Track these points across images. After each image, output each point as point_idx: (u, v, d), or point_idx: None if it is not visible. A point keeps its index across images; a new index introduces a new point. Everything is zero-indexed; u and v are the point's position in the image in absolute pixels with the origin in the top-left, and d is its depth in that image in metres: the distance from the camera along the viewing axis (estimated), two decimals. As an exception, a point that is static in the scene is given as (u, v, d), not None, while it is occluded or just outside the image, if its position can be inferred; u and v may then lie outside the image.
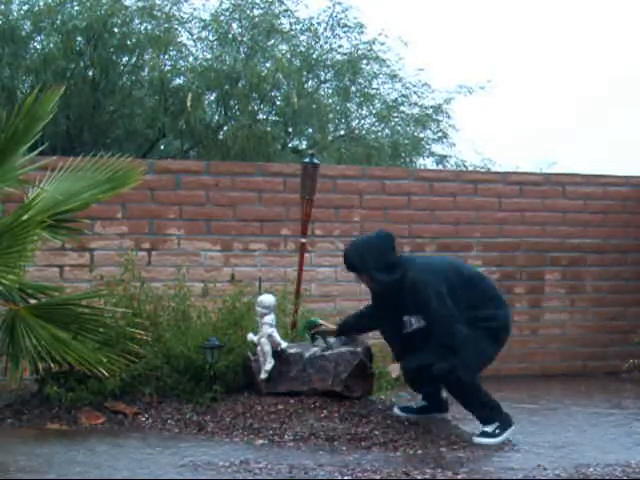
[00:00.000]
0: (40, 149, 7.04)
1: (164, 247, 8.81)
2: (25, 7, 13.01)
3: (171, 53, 13.51)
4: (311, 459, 5.82)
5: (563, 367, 9.95)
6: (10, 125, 6.43)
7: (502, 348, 6.68)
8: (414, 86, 14.77)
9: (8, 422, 6.72)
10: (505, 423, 6.52)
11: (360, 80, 14.25)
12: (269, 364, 6.80)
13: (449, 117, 14.97)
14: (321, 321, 7.15)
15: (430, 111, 14.86)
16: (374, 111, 14.64)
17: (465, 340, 6.35)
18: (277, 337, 6.84)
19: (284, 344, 6.89)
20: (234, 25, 13.73)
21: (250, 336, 6.90)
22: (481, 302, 6.53)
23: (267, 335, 6.81)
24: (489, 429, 6.48)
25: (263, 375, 6.81)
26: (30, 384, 7.05)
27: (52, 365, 6.46)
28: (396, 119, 14.79)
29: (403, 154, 14.56)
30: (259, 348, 6.85)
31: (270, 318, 6.85)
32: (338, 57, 14.13)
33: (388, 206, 9.47)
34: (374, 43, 14.20)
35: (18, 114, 6.45)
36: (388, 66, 14.52)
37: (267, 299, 6.91)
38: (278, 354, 6.85)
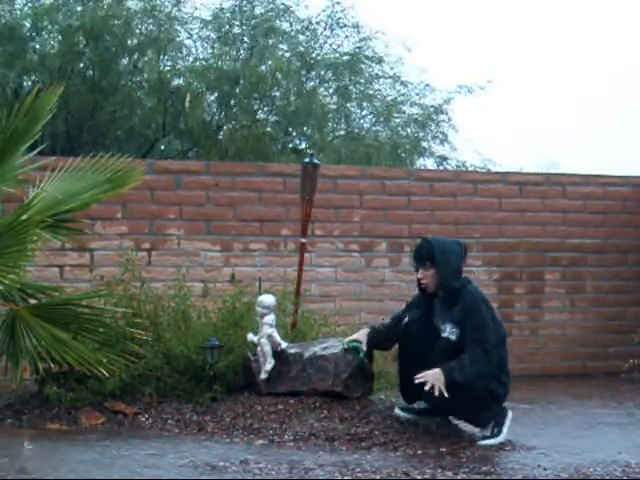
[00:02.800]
0: (39, 149, 7.04)
1: (164, 247, 8.81)
2: (26, 7, 13.01)
3: (171, 53, 13.52)
4: (311, 459, 5.81)
5: (563, 367, 9.95)
6: (10, 125, 6.43)
7: None
8: (414, 86, 14.78)
9: (8, 422, 6.72)
10: (500, 417, 6.50)
11: (360, 80, 14.24)
12: (269, 364, 6.80)
13: (449, 117, 14.98)
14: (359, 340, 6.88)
15: (430, 111, 14.85)
16: (374, 111, 14.64)
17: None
18: (277, 337, 6.84)
19: (284, 344, 6.89)
20: (234, 25, 13.74)
21: (250, 336, 6.89)
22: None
23: (267, 335, 6.81)
24: (487, 432, 6.48)
25: (263, 375, 6.81)
26: (30, 384, 7.04)
27: (52, 365, 6.45)
28: (396, 119, 14.79)
29: (403, 154, 14.56)
30: (259, 348, 6.85)
31: (270, 318, 6.85)
32: (338, 57, 14.13)
33: (388, 206, 9.47)
34: (374, 42, 14.21)
35: (18, 114, 6.44)
36: (389, 66, 14.52)
37: (267, 299, 6.90)
38: (278, 354, 6.85)
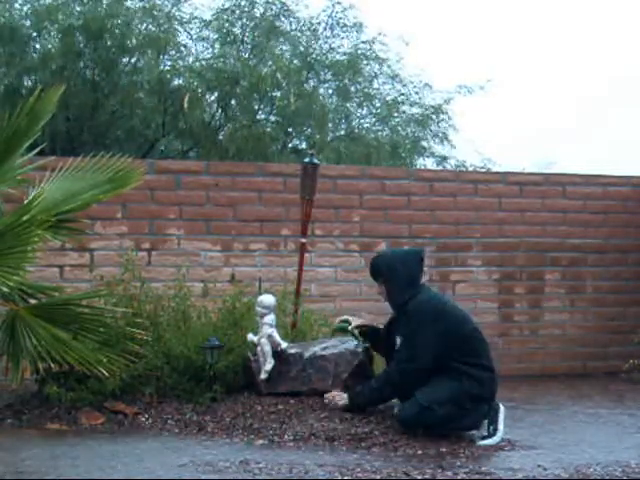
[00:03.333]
0: (39, 148, 7.04)
1: (164, 247, 8.81)
2: (26, 7, 13.01)
3: (171, 53, 13.52)
4: (311, 459, 5.81)
5: (563, 367, 9.94)
6: (11, 125, 6.44)
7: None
8: (414, 86, 14.78)
9: (8, 422, 6.72)
10: (491, 415, 6.49)
11: (360, 80, 14.25)
12: (269, 364, 6.80)
13: (449, 117, 14.99)
14: (347, 320, 7.01)
15: (430, 111, 14.85)
16: (374, 111, 14.65)
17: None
18: (277, 337, 6.84)
19: (284, 344, 6.89)
20: (235, 25, 13.74)
21: (250, 336, 6.89)
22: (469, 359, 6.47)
23: (267, 335, 6.81)
24: (484, 431, 6.48)
25: (263, 375, 6.81)
26: (30, 384, 7.04)
27: (52, 365, 6.45)
28: (396, 119, 14.79)
29: (403, 154, 14.56)
30: (259, 348, 6.85)
31: (270, 318, 6.85)
32: (338, 57, 14.13)
33: (388, 206, 9.47)
34: (374, 43, 14.21)
35: (19, 114, 6.45)
36: (389, 66, 14.53)
37: (267, 299, 6.91)
38: (278, 354, 6.85)
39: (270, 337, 6.81)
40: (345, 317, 7.07)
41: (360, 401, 6.59)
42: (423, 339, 6.37)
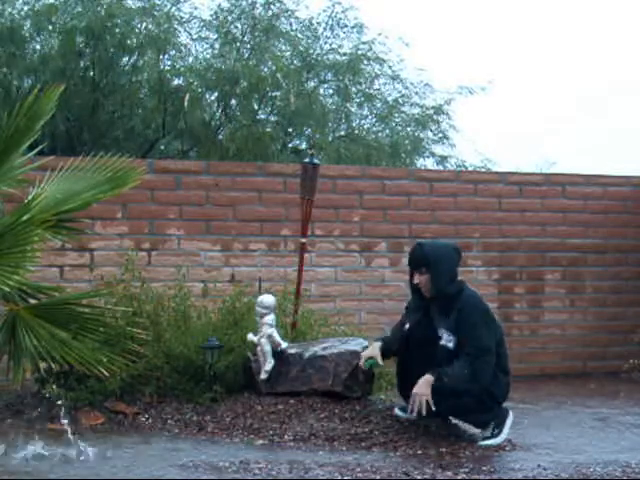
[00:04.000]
0: (39, 148, 7.04)
1: (164, 247, 8.81)
2: (26, 7, 13.01)
3: (171, 53, 13.51)
4: (311, 459, 5.82)
5: (563, 367, 9.95)
6: (10, 125, 6.43)
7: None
8: (415, 86, 14.77)
9: (8, 422, 6.72)
10: (499, 418, 6.50)
11: (360, 80, 14.24)
12: (269, 364, 6.80)
13: (449, 118, 14.98)
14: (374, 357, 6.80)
15: (431, 111, 14.85)
16: (374, 111, 14.64)
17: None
18: (277, 337, 6.84)
19: (284, 344, 6.89)
20: (234, 25, 13.74)
21: (250, 336, 6.89)
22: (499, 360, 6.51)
23: (267, 335, 6.81)
24: (488, 432, 6.48)
25: (263, 375, 6.81)
26: (30, 384, 7.04)
27: (52, 365, 6.45)
28: (396, 119, 14.78)
29: (403, 154, 14.56)
30: (259, 348, 6.85)
31: (270, 318, 6.85)
32: (338, 57, 14.12)
33: (388, 206, 9.47)
34: (374, 43, 14.20)
35: (19, 114, 6.44)
36: (389, 66, 14.51)
37: (267, 299, 6.91)
38: (278, 354, 6.85)
39: (270, 337, 6.81)
40: (369, 354, 6.74)
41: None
42: (488, 332, 6.38)
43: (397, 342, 6.71)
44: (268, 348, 6.82)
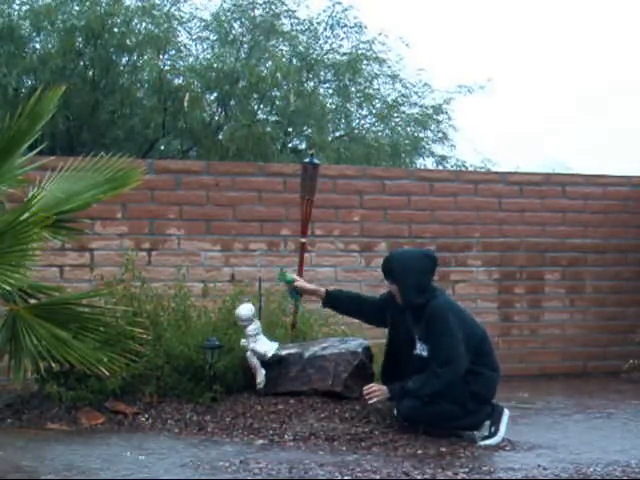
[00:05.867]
0: (39, 148, 7.04)
1: (164, 247, 8.81)
2: (25, 7, 13.00)
3: (170, 53, 13.52)
4: (311, 459, 5.81)
5: (563, 367, 9.95)
6: (12, 125, 6.44)
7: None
8: (414, 86, 14.78)
9: (8, 422, 6.72)
10: (494, 416, 6.49)
11: (360, 80, 14.24)
12: (260, 376, 6.76)
13: (449, 117, 14.98)
14: (296, 278, 7.08)
15: (430, 111, 14.85)
16: (374, 111, 14.64)
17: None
18: (261, 348, 6.77)
19: (271, 351, 6.80)
20: (235, 25, 13.74)
21: (243, 342, 6.85)
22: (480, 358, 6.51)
23: (250, 350, 6.77)
24: (485, 432, 6.48)
25: (258, 386, 6.78)
26: (30, 383, 7.04)
27: (53, 365, 6.45)
28: (396, 119, 14.79)
29: (403, 154, 14.56)
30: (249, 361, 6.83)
31: (252, 328, 6.77)
32: (338, 57, 14.13)
33: (388, 206, 9.47)
34: (374, 43, 14.20)
35: (20, 114, 6.45)
36: (389, 66, 14.52)
37: (243, 312, 6.83)
38: (277, 357, 6.83)
39: (254, 351, 6.76)
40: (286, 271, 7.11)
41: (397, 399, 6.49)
42: (453, 341, 6.36)
43: (356, 308, 6.90)
44: (255, 360, 6.74)
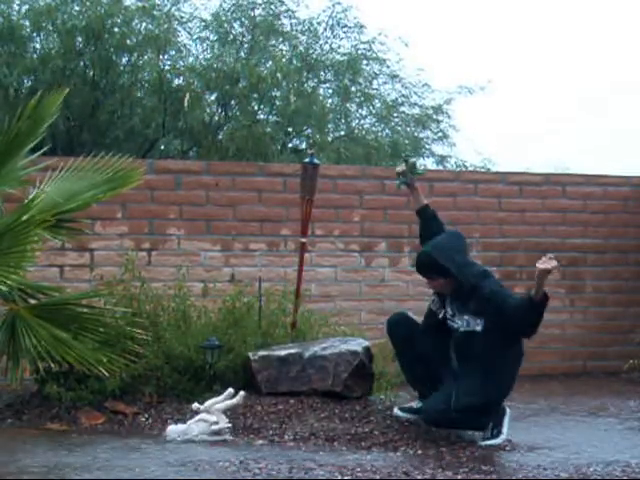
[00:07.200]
0: (42, 150, 7.05)
1: (164, 247, 8.81)
2: (25, 7, 13.01)
3: (171, 53, 13.52)
4: (311, 459, 5.82)
5: (563, 367, 9.95)
6: (13, 127, 6.44)
7: None
8: (414, 86, 14.78)
9: (8, 422, 6.73)
10: (497, 417, 6.49)
11: (360, 80, 14.24)
12: (221, 424, 6.38)
13: (449, 117, 14.99)
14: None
15: (430, 111, 14.86)
16: (374, 111, 14.64)
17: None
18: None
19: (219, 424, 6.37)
20: (234, 25, 13.74)
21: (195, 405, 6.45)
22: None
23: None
24: (488, 432, 6.47)
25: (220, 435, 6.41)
26: (30, 384, 7.05)
27: (52, 365, 6.45)
28: (396, 119, 14.79)
29: (403, 154, 14.55)
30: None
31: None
32: (338, 57, 14.13)
33: (388, 206, 9.47)
34: (374, 43, 14.20)
35: (21, 116, 6.45)
36: (388, 66, 14.52)
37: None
38: (278, 358, 6.85)
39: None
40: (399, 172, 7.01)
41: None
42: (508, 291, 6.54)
43: (424, 327, 6.65)
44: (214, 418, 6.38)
